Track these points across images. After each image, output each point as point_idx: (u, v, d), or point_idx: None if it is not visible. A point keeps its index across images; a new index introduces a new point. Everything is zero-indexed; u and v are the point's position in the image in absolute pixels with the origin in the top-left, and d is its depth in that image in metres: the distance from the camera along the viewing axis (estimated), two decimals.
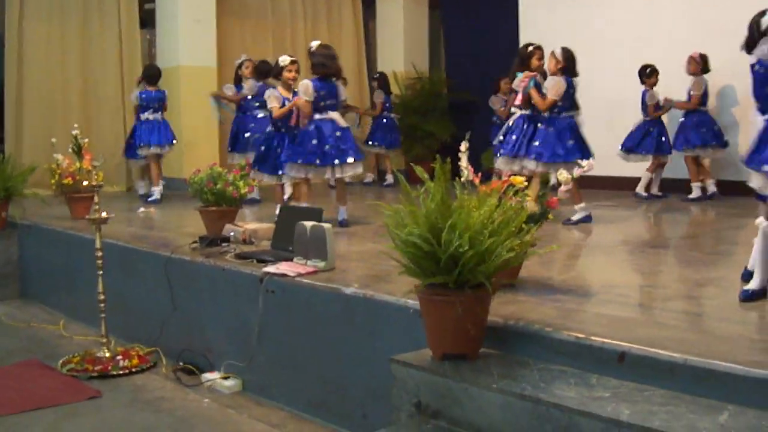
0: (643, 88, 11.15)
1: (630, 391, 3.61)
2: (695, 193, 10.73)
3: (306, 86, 8.38)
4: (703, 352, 3.67)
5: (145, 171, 12.35)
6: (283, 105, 9.03)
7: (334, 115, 8.53)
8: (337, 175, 8.47)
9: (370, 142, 14.32)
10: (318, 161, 8.37)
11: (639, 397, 3.54)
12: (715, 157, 10.95)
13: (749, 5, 5.36)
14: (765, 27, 4.88)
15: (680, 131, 10.95)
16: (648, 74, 11.07)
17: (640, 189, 11.14)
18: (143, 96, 11.85)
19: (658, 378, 3.65)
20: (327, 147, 8.35)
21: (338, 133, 8.44)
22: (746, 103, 7.79)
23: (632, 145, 11.12)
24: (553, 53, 8.70)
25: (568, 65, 8.65)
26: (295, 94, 8.93)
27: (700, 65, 10.65)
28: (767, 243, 4.80)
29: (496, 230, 4.01)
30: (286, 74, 9.21)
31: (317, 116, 8.43)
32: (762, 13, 5.16)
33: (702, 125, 10.77)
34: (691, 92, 10.77)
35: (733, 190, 10.04)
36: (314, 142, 8.35)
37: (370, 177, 14.77)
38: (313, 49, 8.56)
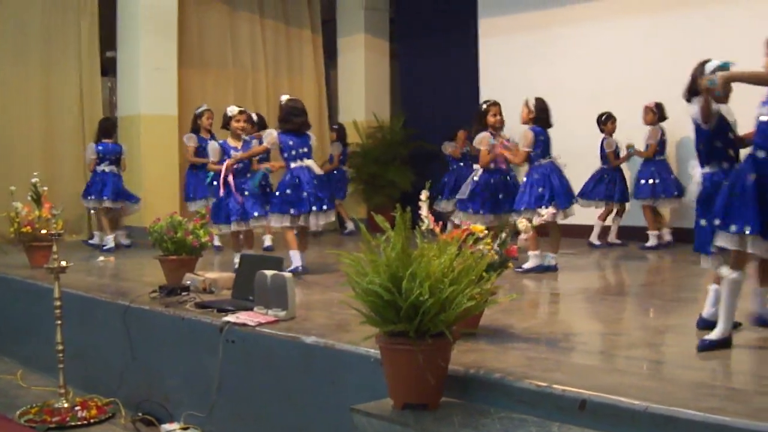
0: (602, 136, 11.26)
1: None
2: (652, 241, 10.79)
3: (270, 134, 8.62)
4: (664, 399, 3.69)
5: (108, 220, 12.24)
6: (229, 155, 9.02)
7: (310, 162, 8.67)
8: (312, 222, 8.52)
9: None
10: (292, 210, 8.46)
11: None
12: (672, 206, 11.03)
13: (705, 56, 5.46)
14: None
15: (638, 180, 11.05)
16: (604, 121, 11.18)
17: (593, 238, 11.20)
18: (100, 148, 11.81)
19: (619, 425, 3.66)
20: (305, 194, 8.45)
21: (315, 181, 8.55)
22: None
23: (585, 191, 11.19)
24: (526, 103, 8.79)
25: (539, 115, 8.73)
26: (245, 143, 9.07)
27: (656, 114, 10.78)
28: (732, 293, 4.83)
29: (457, 279, 4.02)
30: (234, 124, 9.25)
31: (293, 165, 8.58)
32: (704, 63, 5.30)
33: (659, 174, 10.86)
34: (648, 141, 10.89)
35: (690, 238, 10.11)
36: (288, 191, 8.46)
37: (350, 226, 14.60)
38: (282, 103, 8.78)
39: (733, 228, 4.72)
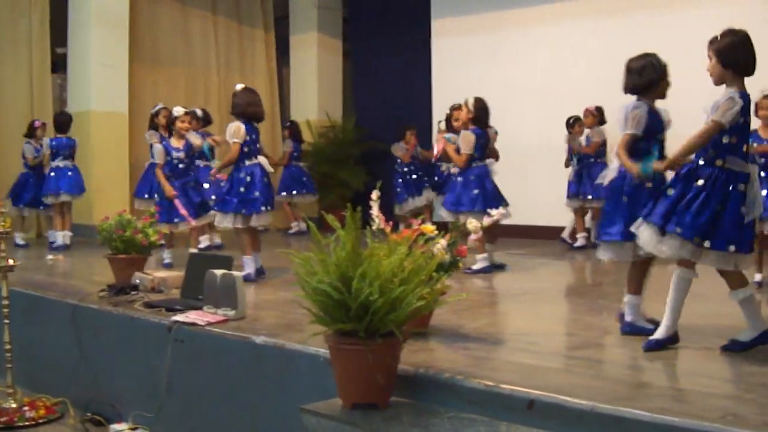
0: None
1: None
2: (580, 242, 10.89)
3: (238, 128, 8.11)
4: (611, 399, 3.72)
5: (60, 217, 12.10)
6: (170, 156, 9.02)
7: (262, 159, 8.32)
8: (262, 222, 8.29)
9: (284, 193, 14.23)
10: (244, 210, 8.10)
11: None
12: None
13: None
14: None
15: (572, 181, 11.13)
16: (572, 124, 11.24)
17: (566, 234, 11.34)
18: (54, 143, 11.69)
19: (566, 425, 3.69)
20: (257, 194, 8.10)
21: (266, 179, 8.24)
22: None
23: (571, 192, 11.20)
24: (466, 103, 8.81)
25: (478, 115, 8.74)
26: (187, 144, 9.02)
27: (597, 117, 10.91)
28: (680, 290, 4.89)
29: (407, 278, 4.02)
30: (179, 125, 9.18)
31: (247, 162, 8.17)
32: (641, 57, 5.43)
33: (593, 176, 10.83)
34: (592, 139, 10.96)
35: None
36: (242, 190, 8.08)
37: (296, 226, 14.52)
38: (237, 91, 8.37)
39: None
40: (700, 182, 4.79)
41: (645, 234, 4.92)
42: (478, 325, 5.89)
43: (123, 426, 6.17)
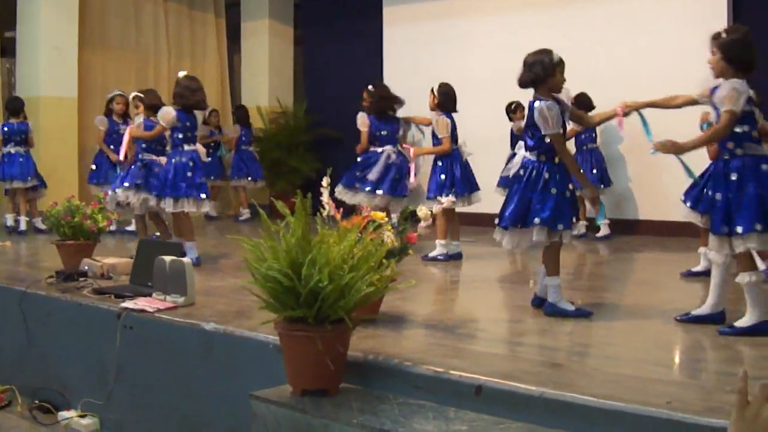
0: (507, 124, 11.39)
1: (487, 425, 3.66)
2: (581, 230, 10.94)
3: (168, 113, 8.18)
4: (558, 385, 3.76)
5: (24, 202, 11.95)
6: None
7: (199, 147, 8.38)
8: (208, 207, 8.28)
9: (237, 177, 14.22)
10: (196, 194, 8.14)
11: (495, 430, 3.59)
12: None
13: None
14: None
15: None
16: (514, 110, 11.30)
17: None
18: (5, 129, 11.55)
19: (514, 411, 3.72)
20: (203, 179, 8.23)
21: (201, 166, 8.30)
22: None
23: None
24: (432, 89, 8.84)
25: (442, 100, 8.77)
26: (126, 124, 9.06)
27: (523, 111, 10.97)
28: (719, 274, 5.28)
29: (356, 265, 4.04)
30: (115, 107, 9.14)
31: (187, 147, 8.22)
32: (541, 51, 5.62)
33: None
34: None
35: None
36: (189, 174, 8.10)
37: (246, 212, 14.47)
38: (179, 79, 8.43)
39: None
40: (734, 177, 5.03)
41: (714, 244, 5.15)
42: (429, 312, 5.92)
43: (72, 413, 6.14)
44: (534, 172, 5.63)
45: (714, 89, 5.12)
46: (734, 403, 1.61)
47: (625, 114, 5.73)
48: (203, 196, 8.16)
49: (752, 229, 4.91)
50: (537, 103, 5.66)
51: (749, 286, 5.03)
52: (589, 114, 7.64)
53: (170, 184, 8.13)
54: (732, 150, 5.07)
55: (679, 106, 5.54)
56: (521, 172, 5.70)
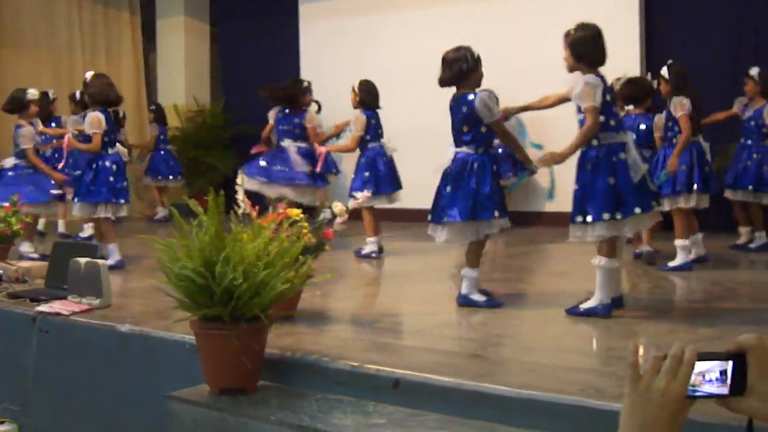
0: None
1: (405, 417, 3.68)
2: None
3: (98, 118, 7.87)
4: (474, 376, 3.80)
5: None
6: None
7: (120, 148, 8.17)
8: (127, 211, 8.14)
9: (156, 177, 14.03)
10: (114, 199, 7.90)
11: (413, 422, 3.61)
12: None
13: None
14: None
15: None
16: None
17: None
18: None
19: (432, 403, 3.74)
20: (125, 183, 8.00)
21: (123, 170, 8.07)
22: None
23: None
24: (353, 87, 8.84)
25: (363, 97, 8.79)
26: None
27: None
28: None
29: (272, 262, 4.02)
30: (33, 108, 8.95)
31: (110, 150, 7.98)
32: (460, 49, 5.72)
33: None
34: None
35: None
36: (111, 178, 7.87)
37: (162, 213, 14.28)
38: (89, 80, 8.14)
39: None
40: (588, 167, 5.32)
41: (572, 233, 5.42)
42: (346, 307, 5.94)
43: None
44: (475, 164, 5.70)
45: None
46: (627, 377, 1.65)
47: (505, 119, 5.92)
48: (122, 201, 7.98)
49: (600, 218, 5.20)
50: (477, 96, 5.71)
51: (599, 269, 5.30)
52: None
53: (91, 190, 7.92)
54: (590, 140, 5.30)
55: (551, 106, 5.75)
56: (457, 167, 5.74)
